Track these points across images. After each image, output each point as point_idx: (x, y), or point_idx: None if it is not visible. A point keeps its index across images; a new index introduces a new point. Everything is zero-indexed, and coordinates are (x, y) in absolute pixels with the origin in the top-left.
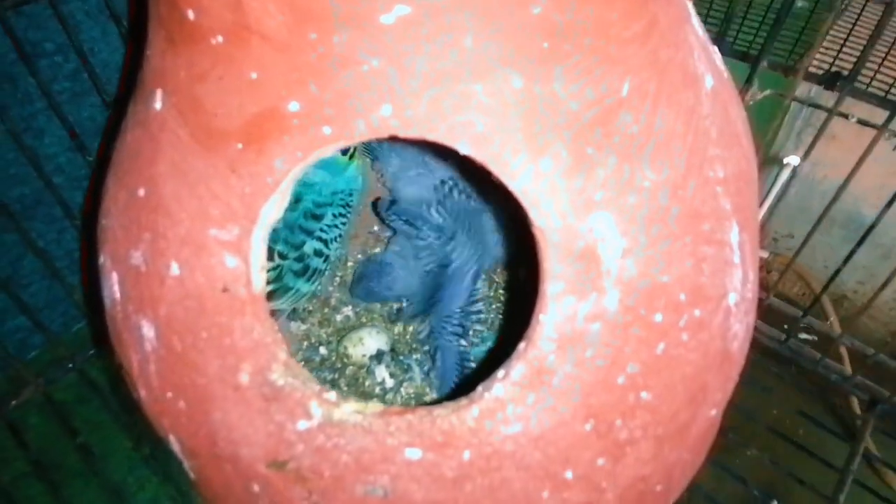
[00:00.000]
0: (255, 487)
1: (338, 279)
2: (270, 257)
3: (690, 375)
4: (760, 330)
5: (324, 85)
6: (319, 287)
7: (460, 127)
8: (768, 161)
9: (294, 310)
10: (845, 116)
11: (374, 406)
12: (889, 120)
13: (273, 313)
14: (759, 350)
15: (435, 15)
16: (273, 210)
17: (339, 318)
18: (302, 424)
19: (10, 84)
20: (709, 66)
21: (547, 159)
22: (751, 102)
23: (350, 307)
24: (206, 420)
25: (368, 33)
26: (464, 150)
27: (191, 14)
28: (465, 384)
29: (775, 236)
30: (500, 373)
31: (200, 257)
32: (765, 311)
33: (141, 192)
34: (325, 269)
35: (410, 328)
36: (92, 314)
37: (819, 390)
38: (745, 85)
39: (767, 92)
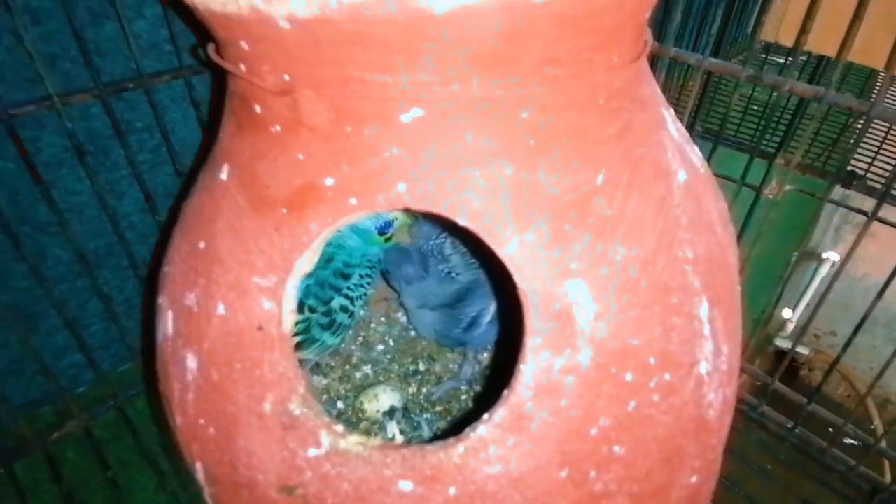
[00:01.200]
0: None
1: (360, 339)
2: (301, 310)
3: (664, 436)
4: (767, 416)
5: (354, 166)
6: (343, 342)
7: (460, 203)
8: (806, 256)
9: (317, 364)
10: (864, 213)
11: (375, 440)
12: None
13: (299, 363)
14: (767, 435)
15: (443, 117)
16: (305, 264)
17: (358, 375)
18: (312, 452)
19: (104, 154)
20: (683, 164)
21: (530, 233)
22: (770, 196)
23: (369, 366)
24: (230, 447)
25: (391, 128)
26: (462, 221)
27: (258, 109)
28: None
29: (817, 333)
30: (485, 416)
31: (243, 300)
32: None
33: (201, 244)
34: (350, 325)
35: (424, 389)
36: (145, 355)
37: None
38: (763, 181)
39: (788, 187)
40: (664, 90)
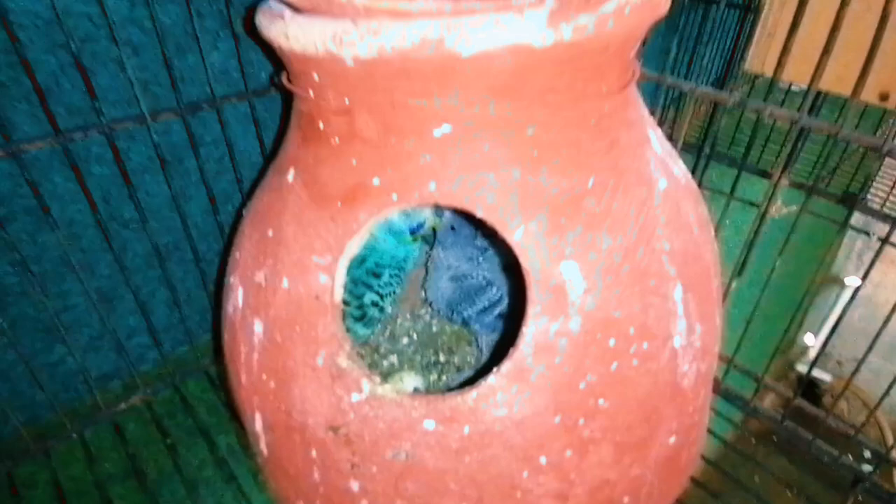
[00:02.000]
0: (314, 452)
1: (388, 332)
2: None
3: (642, 396)
4: (758, 410)
5: (396, 169)
6: (373, 334)
7: (478, 199)
8: (829, 281)
9: None
10: (865, 233)
11: (406, 389)
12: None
13: None
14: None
15: (466, 132)
16: (354, 246)
17: (385, 363)
18: (355, 397)
19: (178, 163)
20: (664, 174)
21: (533, 223)
22: (776, 216)
23: (395, 356)
24: (287, 396)
25: (426, 140)
26: (479, 214)
27: (321, 125)
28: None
29: (839, 360)
30: (495, 369)
31: (304, 275)
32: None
33: (270, 232)
34: (379, 319)
35: (444, 377)
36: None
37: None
38: (768, 200)
39: (792, 208)
40: (669, 115)
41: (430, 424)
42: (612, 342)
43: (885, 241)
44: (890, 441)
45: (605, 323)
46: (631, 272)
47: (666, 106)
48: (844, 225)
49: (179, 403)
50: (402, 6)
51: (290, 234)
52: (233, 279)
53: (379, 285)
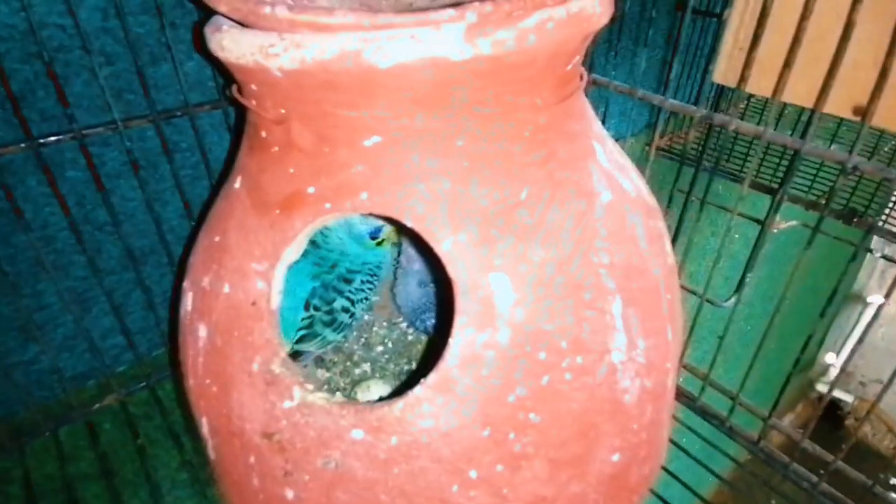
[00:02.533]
0: (252, 459)
1: (363, 340)
2: (307, 308)
3: (577, 411)
4: (767, 452)
5: (330, 178)
6: (345, 339)
7: (407, 209)
8: (851, 299)
9: (321, 359)
10: (870, 251)
11: (338, 398)
12: None
13: (302, 354)
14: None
15: (395, 143)
16: (291, 253)
17: (357, 371)
18: (287, 404)
19: (153, 168)
20: (609, 187)
21: (462, 234)
22: (776, 231)
23: (368, 364)
24: (227, 400)
25: (357, 150)
26: (409, 223)
27: (264, 134)
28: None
29: (862, 380)
30: (422, 380)
31: (243, 281)
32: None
33: (217, 238)
34: (350, 324)
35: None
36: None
37: None
38: (769, 215)
39: (793, 222)
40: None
41: (358, 434)
42: (542, 355)
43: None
44: None
45: (536, 336)
46: (565, 285)
47: (667, 119)
48: (859, 248)
49: (154, 405)
50: (323, 20)
51: (233, 240)
52: (185, 283)
53: (350, 291)
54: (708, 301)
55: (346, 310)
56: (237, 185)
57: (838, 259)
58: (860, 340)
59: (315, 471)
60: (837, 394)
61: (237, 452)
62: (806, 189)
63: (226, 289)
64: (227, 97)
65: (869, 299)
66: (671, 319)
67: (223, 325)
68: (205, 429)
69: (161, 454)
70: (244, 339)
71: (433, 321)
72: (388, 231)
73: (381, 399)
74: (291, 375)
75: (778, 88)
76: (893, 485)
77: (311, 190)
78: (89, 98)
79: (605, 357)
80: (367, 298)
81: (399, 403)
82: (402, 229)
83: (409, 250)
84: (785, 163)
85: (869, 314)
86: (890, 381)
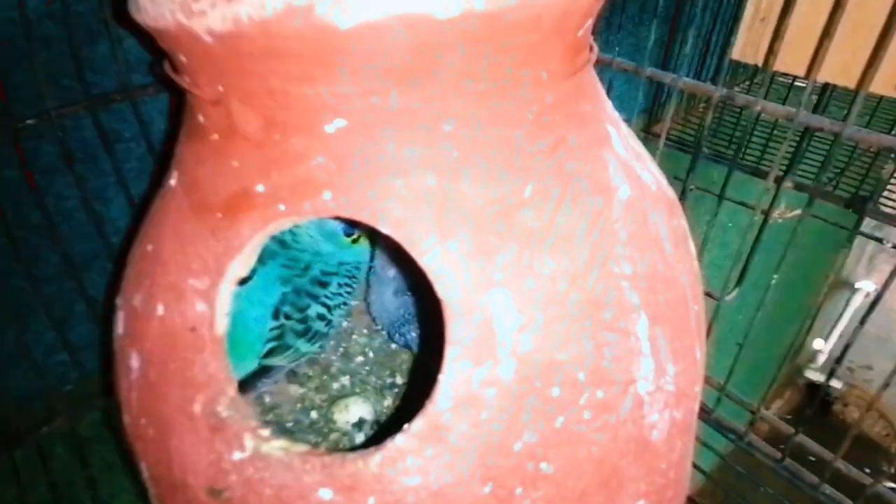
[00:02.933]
0: None
1: (341, 350)
2: (276, 317)
3: (598, 456)
4: (755, 445)
5: (282, 173)
6: (321, 350)
7: (382, 212)
8: (839, 285)
9: (294, 372)
10: (878, 240)
11: (300, 446)
12: None
13: (271, 370)
14: (753, 467)
15: (365, 128)
16: (238, 267)
17: (335, 385)
18: (237, 455)
19: (93, 162)
20: (627, 179)
21: (453, 242)
22: (780, 220)
23: (347, 377)
24: (166, 447)
25: (316, 138)
26: (384, 230)
27: (200, 118)
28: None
29: (851, 366)
30: (405, 426)
31: (179, 302)
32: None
33: (149, 247)
34: (327, 333)
35: (400, 403)
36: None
37: None
38: (771, 205)
39: (797, 211)
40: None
41: (326, 494)
42: (555, 392)
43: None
44: None
45: (547, 368)
46: (581, 302)
47: (665, 102)
48: (854, 231)
49: (107, 426)
50: None
51: (167, 251)
52: (117, 300)
53: (326, 296)
54: (707, 294)
55: (321, 317)
56: (173, 181)
57: (828, 245)
58: (862, 323)
59: None
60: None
61: None
62: (813, 177)
63: (159, 310)
64: (158, 76)
65: (857, 285)
66: (699, 335)
67: (157, 355)
68: (144, 475)
69: (119, 480)
70: (182, 374)
71: (414, 334)
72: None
73: (361, 421)
74: (242, 419)
75: (815, 63)
76: (886, 471)
77: (259, 188)
78: (28, 88)
79: (630, 388)
80: (345, 304)
81: (377, 456)
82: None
83: (384, 257)
84: (774, 142)
85: (857, 300)
86: (891, 374)
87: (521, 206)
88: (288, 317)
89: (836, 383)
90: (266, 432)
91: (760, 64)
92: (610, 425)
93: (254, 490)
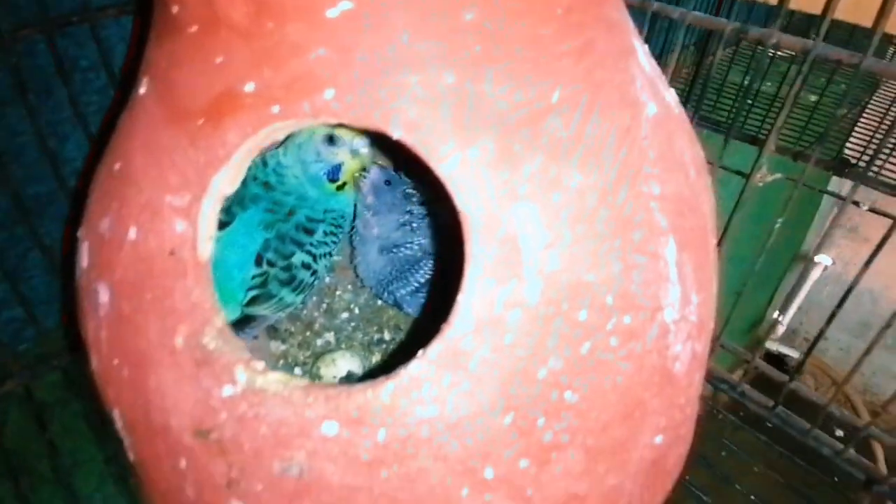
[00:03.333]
0: (182, 463)
1: (324, 306)
2: (259, 264)
3: (623, 386)
4: (748, 395)
5: (276, 68)
6: (303, 304)
7: (394, 113)
8: (797, 259)
9: (275, 329)
10: (856, 204)
11: (299, 380)
12: None
13: (252, 321)
14: (745, 418)
15: (375, 12)
16: (223, 181)
17: (319, 342)
18: (227, 391)
19: (46, 93)
20: (653, 97)
21: (474, 150)
22: (760, 184)
23: (332, 333)
24: (143, 387)
25: (316, 25)
26: (396, 134)
27: (174, 9)
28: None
29: (807, 337)
30: (420, 352)
31: (155, 222)
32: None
33: (117, 166)
34: (312, 284)
35: (388, 360)
36: (70, 316)
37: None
38: (754, 167)
39: (778, 175)
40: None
41: (331, 428)
42: (582, 315)
43: (845, 199)
44: (865, 417)
45: (574, 289)
46: (609, 221)
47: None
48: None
49: (68, 388)
50: None
51: (139, 167)
52: (80, 231)
53: (311, 244)
54: None
55: (306, 266)
56: (143, 89)
57: (799, 219)
58: (835, 305)
59: (271, 479)
60: (783, 349)
61: (162, 455)
62: (794, 140)
63: (131, 234)
64: None
65: (816, 259)
66: (715, 268)
67: (130, 284)
68: (118, 423)
69: (83, 447)
70: (161, 304)
71: (404, 291)
72: (349, 170)
73: (349, 376)
74: (232, 351)
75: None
76: (838, 436)
77: (248, 87)
78: None
79: (657, 316)
80: (329, 254)
81: (388, 385)
82: (360, 176)
83: (366, 214)
84: (773, 114)
85: (815, 273)
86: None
87: (548, 113)
88: (272, 263)
89: (793, 353)
90: (260, 365)
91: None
92: (636, 354)
93: (247, 428)
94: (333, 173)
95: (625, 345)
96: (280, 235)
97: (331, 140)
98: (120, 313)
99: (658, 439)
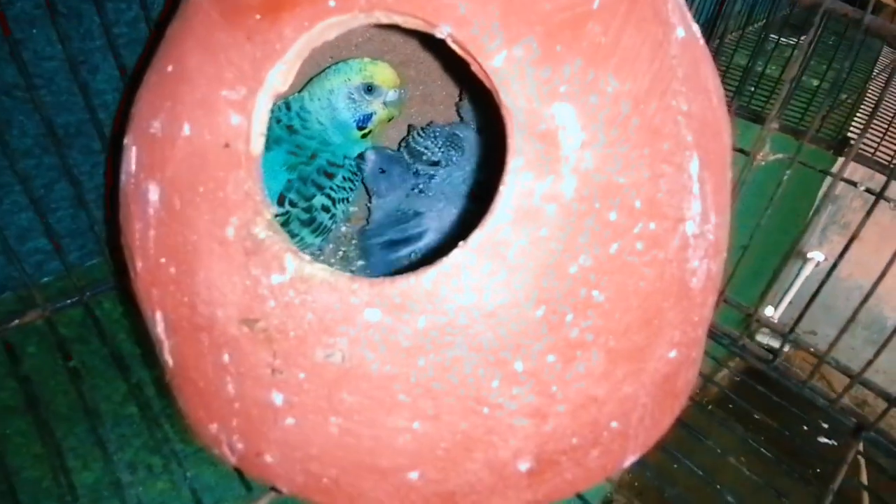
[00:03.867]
0: (225, 357)
1: (340, 253)
2: (281, 203)
3: (645, 291)
4: (749, 349)
5: None
6: (320, 249)
7: (445, 9)
8: (792, 255)
9: None
10: (852, 183)
11: (343, 272)
12: (886, 186)
13: None
14: (744, 371)
15: None
16: (278, 77)
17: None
18: (275, 279)
19: (77, 19)
20: (682, 21)
21: (519, 47)
22: (763, 163)
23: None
24: (190, 282)
25: None
26: (446, 30)
27: None
28: None
29: (798, 331)
30: (462, 242)
31: (210, 116)
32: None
33: (169, 68)
34: (330, 227)
35: None
36: (110, 247)
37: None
38: (755, 145)
39: (779, 155)
40: None
41: (373, 315)
42: (612, 215)
43: (835, 176)
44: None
45: (606, 189)
46: (640, 129)
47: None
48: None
49: (90, 325)
50: None
51: (193, 66)
52: (127, 139)
53: (331, 188)
54: None
55: (325, 209)
56: None
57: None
58: (812, 297)
59: (313, 366)
60: (772, 343)
61: (205, 351)
62: (796, 121)
63: (185, 130)
64: None
65: (809, 255)
66: (729, 198)
67: (183, 179)
68: (159, 327)
69: (101, 384)
70: (213, 196)
71: (372, 241)
72: (378, 119)
73: None
74: (282, 240)
75: None
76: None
77: None
78: None
79: (679, 227)
80: (347, 199)
81: (431, 272)
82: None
83: (376, 215)
84: (777, 95)
85: (808, 269)
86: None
87: (589, 18)
88: (293, 204)
89: (784, 347)
90: (307, 255)
91: None
92: (658, 261)
93: (293, 315)
94: (364, 121)
95: (649, 250)
96: (302, 177)
97: (369, 89)
98: (171, 209)
99: (672, 353)
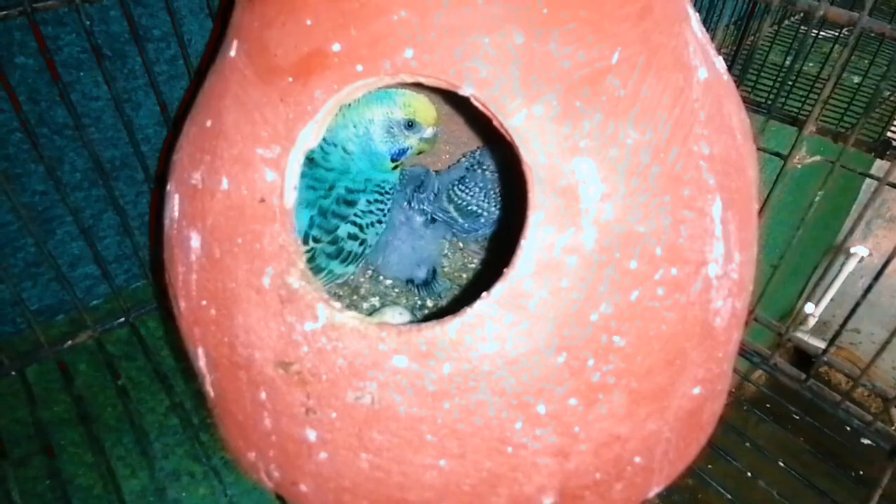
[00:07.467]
0: (262, 394)
1: (370, 272)
2: (305, 241)
3: (667, 335)
4: (780, 368)
5: (361, 29)
6: (354, 273)
7: (467, 71)
8: (834, 249)
9: None
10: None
11: (372, 320)
12: None
13: None
14: (777, 390)
15: None
16: (309, 135)
17: (365, 305)
18: (309, 326)
19: (121, 60)
20: (705, 62)
21: (539, 105)
22: (799, 166)
23: (377, 298)
24: (230, 325)
25: None
26: (468, 91)
27: None
28: None
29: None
30: (484, 294)
31: (247, 172)
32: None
33: (208, 123)
34: (363, 252)
35: None
36: (153, 270)
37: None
38: (792, 149)
39: (816, 158)
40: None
41: (401, 361)
42: (633, 264)
43: (881, 181)
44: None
45: (626, 239)
46: (661, 177)
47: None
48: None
49: (135, 343)
50: None
51: (230, 122)
52: (170, 186)
53: (355, 214)
54: None
55: (353, 237)
56: (232, 52)
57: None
58: (865, 293)
59: (344, 407)
60: (812, 341)
61: (244, 388)
62: (835, 122)
63: (224, 184)
64: None
65: (852, 250)
66: (757, 233)
67: (222, 230)
68: (201, 361)
69: (146, 398)
70: (250, 248)
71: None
72: (412, 153)
73: None
74: (314, 290)
75: None
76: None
77: (335, 47)
78: None
79: (702, 270)
80: (379, 221)
81: (455, 322)
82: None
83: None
84: (814, 95)
85: (851, 264)
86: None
87: (608, 72)
88: (317, 240)
89: (821, 344)
90: (338, 304)
91: None
92: (680, 305)
93: (326, 360)
94: (399, 154)
95: (671, 295)
96: (322, 211)
97: (410, 125)
98: (211, 257)
99: (696, 390)
